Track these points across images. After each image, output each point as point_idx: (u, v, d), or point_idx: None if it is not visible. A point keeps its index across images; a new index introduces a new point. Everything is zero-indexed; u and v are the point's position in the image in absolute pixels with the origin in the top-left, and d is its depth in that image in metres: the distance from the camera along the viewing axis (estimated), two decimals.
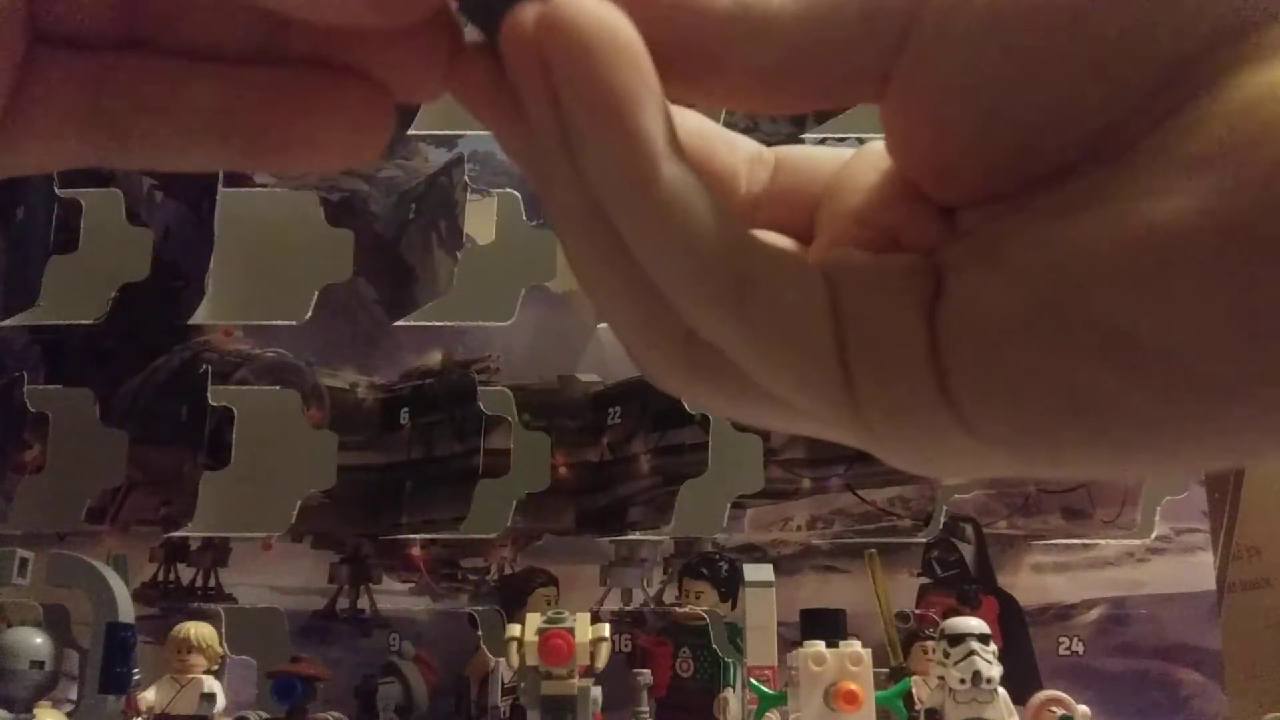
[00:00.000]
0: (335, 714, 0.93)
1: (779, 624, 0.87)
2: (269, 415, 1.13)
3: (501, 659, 0.93)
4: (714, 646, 1.00)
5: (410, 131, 1.17)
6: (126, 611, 0.87)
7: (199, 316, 1.15)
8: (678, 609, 1.05)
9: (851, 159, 0.19)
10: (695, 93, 0.17)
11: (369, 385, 1.15)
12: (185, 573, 1.11)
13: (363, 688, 0.96)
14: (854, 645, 0.78)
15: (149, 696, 0.88)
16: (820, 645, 0.78)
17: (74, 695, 0.89)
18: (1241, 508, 1.06)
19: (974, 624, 0.80)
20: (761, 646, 0.86)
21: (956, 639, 0.79)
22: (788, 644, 0.85)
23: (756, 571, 0.89)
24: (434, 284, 1.16)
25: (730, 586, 1.03)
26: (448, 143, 1.18)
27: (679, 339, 0.17)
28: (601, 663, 0.79)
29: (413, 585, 1.10)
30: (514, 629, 0.80)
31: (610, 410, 1.12)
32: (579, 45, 0.15)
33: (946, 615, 0.86)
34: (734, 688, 0.98)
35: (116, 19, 0.17)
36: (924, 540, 1.07)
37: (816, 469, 1.10)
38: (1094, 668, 1.04)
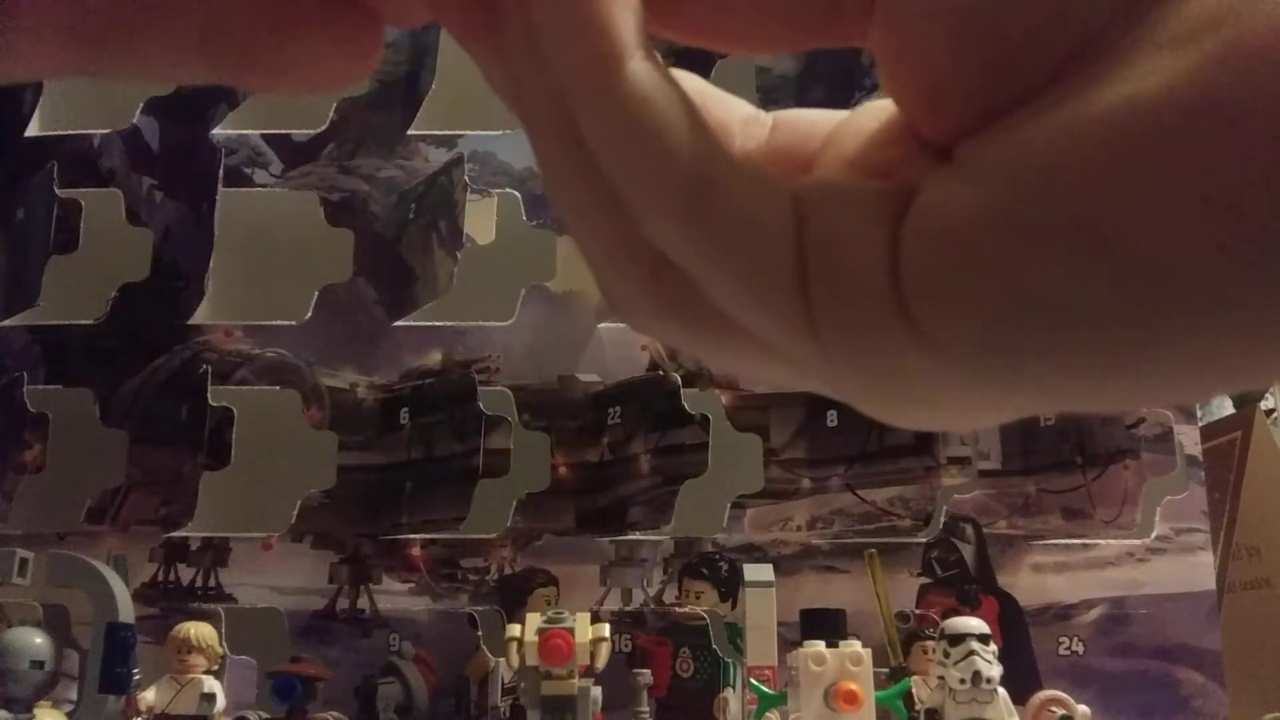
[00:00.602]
0: (335, 714, 0.93)
1: (779, 624, 0.87)
2: (269, 415, 1.13)
3: (501, 659, 0.93)
4: (714, 646, 1.00)
5: (410, 131, 1.17)
6: (126, 611, 0.87)
7: (199, 317, 1.15)
8: (678, 609, 1.04)
9: (854, 111, 0.19)
10: (678, 23, 0.17)
11: (369, 385, 1.15)
12: (185, 573, 1.11)
13: (363, 688, 0.96)
14: (854, 645, 0.78)
15: (149, 696, 0.88)
16: (820, 645, 0.78)
17: (74, 695, 0.89)
18: (1241, 508, 1.06)
19: (974, 624, 0.80)
20: (761, 646, 0.86)
21: (956, 639, 0.79)
22: (788, 644, 0.85)
23: (756, 571, 0.89)
24: (434, 284, 1.16)
25: (730, 586, 1.03)
26: (448, 143, 1.17)
27: (647, 264, 0.16)
28: (601, 663, 0.79)
29: (413, 585, 1.10)
30: (514, 629, 0.80)
31: (610, 410, 1.12)
32: None
33: (946, 615, 0.86)
34: (734, 688, 0.98)
35: None
36: (924, 540, 1.07)
37: (816, 469, 1.10)
38: (1094, 668, 1.04)
